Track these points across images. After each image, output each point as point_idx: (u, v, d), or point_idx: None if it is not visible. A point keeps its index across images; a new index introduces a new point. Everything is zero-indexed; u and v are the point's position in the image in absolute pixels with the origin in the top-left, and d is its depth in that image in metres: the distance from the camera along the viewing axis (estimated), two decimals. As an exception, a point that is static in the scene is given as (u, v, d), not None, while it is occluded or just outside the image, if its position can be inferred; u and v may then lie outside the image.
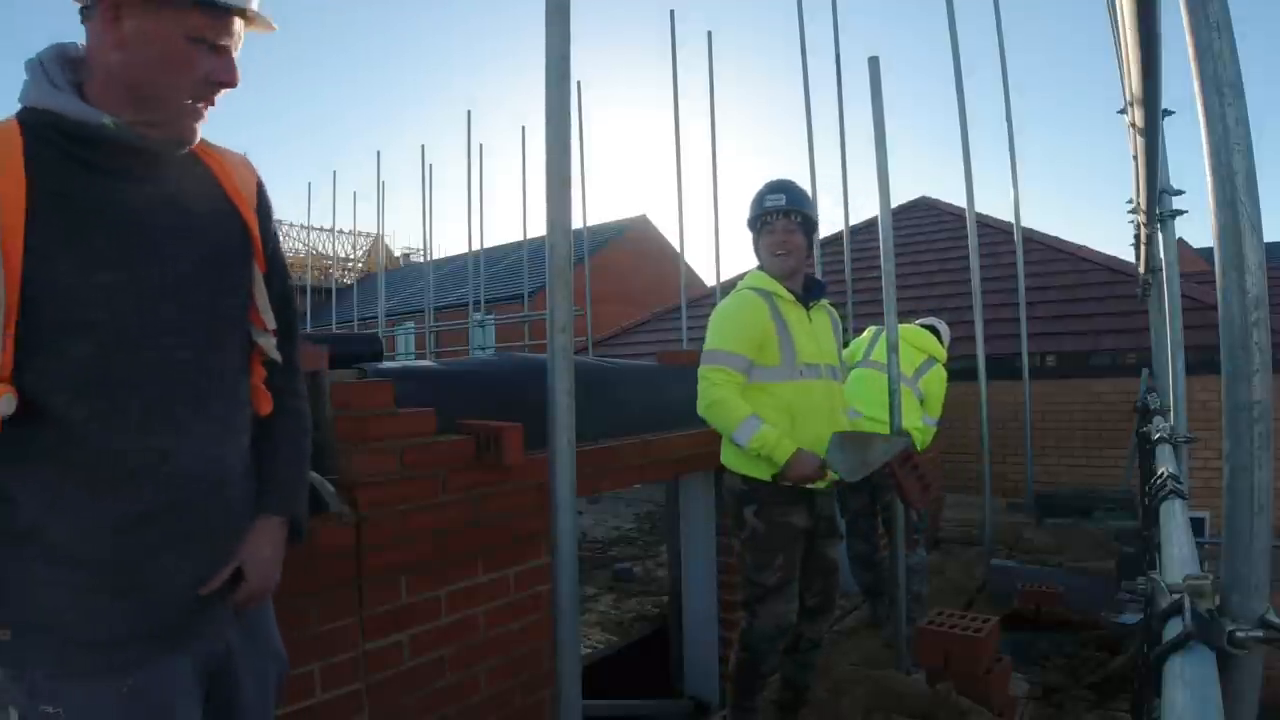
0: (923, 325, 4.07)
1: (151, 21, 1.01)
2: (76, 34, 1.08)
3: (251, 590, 1.21)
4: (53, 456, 1.02)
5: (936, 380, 3.85)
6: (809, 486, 2.41)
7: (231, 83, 1.09)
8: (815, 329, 2.52)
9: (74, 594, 1.04)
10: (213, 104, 1.10)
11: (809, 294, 2.55)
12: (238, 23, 1.08)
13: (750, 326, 2.40)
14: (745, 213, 2.62)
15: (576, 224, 4.66)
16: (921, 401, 3.77)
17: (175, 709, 1.11)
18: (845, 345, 4.20)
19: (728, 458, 2.52)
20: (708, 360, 2.42)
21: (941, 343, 4.02)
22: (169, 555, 1.11)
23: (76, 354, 1.01)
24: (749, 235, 2.62)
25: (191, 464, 1.11)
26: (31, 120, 1.01)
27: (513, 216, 42.41)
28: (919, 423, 3.70)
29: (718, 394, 2.35)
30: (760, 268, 2.59)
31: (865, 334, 4.11)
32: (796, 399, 2.40)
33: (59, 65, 1.04)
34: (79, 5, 1.04)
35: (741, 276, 2.65)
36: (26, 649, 1.02)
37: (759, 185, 2.60)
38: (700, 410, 2.42)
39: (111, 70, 1.03)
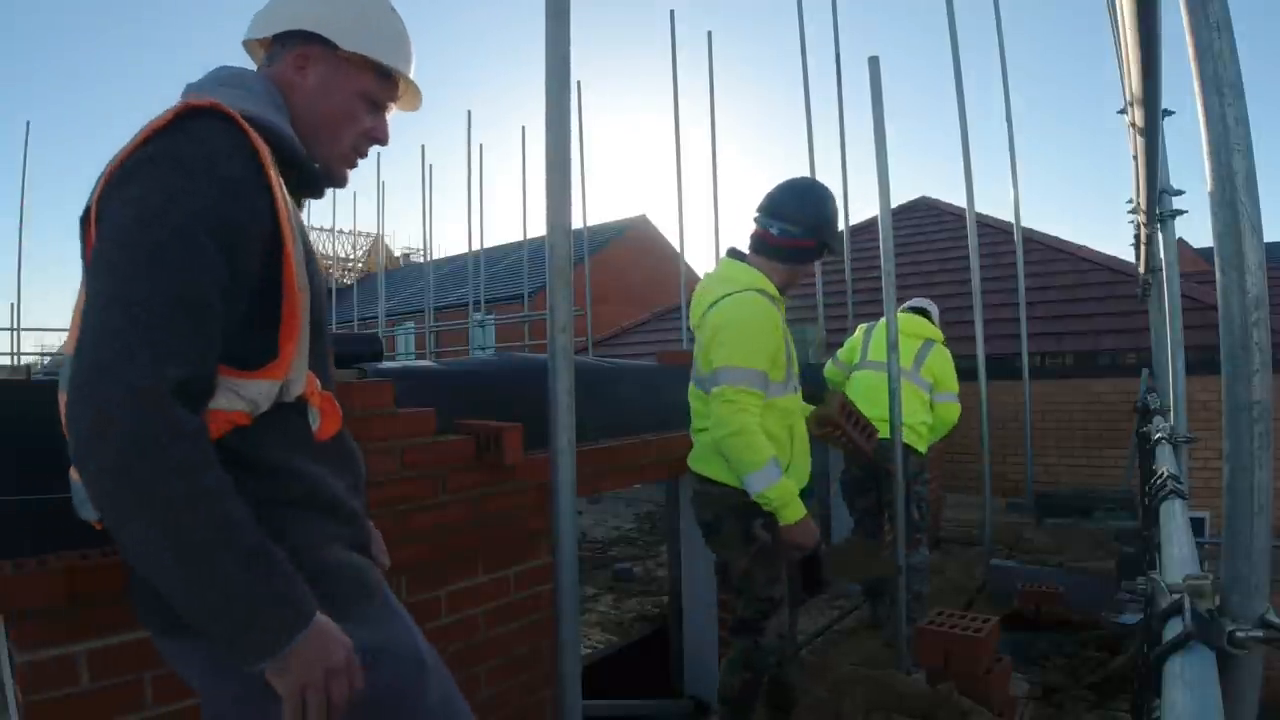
0: (910, 308, 3.99)
1: (332, 75, 1.15)
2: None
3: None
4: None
5: (940, 360, 3.76)
6: None
7: (384, 141, 1.23)
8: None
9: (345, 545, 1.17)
10: (365, 155, 1.23)
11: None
12: (399, 88, 1.23)
13: (772, 337, 2.17)
14: (752, 205, 2.38)
15: (576, 224, 4.66)
16: (930, 391, 3.71)
17: None
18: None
19: (716, 471, 2.25)
20: (730, 379, 2.09)
21: (933, 322, 3.93)
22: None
23: (317, 349, 1.14)
24: (753, 230, 2.36)
25: None
26: (258, 132, 1.04)
27: (513, 216, 42.52)
28: (924, 418, 3.66)
29: (745, 422, 2.06)
30: (753, 262, 2.35)
31: (857, 333, 4.03)
32: (791, 411, 2.31)
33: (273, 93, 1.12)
34: (264, 53, 1.17)
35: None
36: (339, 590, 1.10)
37: (770, 184, 2.38)
38: (718, 435, 2.12)
39: (296, 110, 1.14)
